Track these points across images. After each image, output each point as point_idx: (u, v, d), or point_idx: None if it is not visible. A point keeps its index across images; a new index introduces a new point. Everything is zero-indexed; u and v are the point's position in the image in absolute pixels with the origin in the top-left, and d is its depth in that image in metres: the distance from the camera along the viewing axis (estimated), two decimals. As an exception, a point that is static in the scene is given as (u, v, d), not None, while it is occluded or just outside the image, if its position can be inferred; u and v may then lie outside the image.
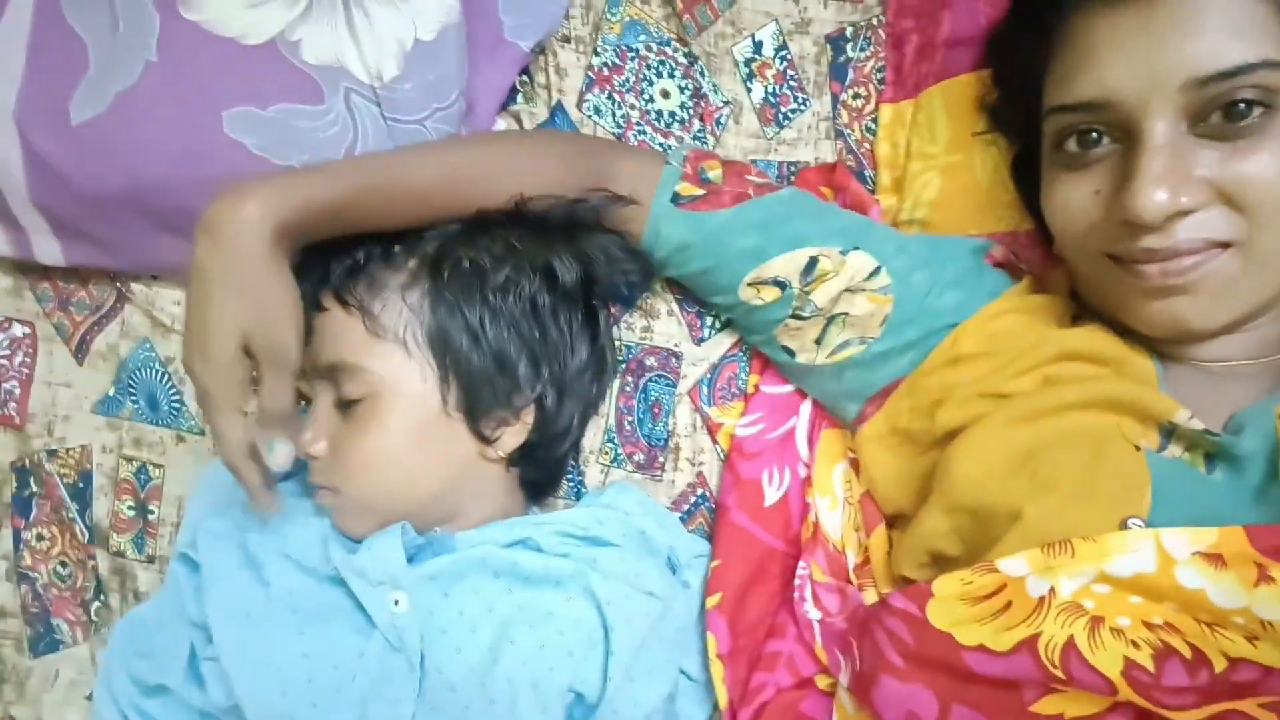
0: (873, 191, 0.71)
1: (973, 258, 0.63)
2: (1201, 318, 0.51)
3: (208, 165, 0.62)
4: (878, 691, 0.52)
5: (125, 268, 0.72)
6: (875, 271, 0.61)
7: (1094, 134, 0.52)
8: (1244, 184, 0.48)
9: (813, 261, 0.61)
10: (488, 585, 0.58)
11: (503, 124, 0.72)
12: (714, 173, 0.64)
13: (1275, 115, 0.47)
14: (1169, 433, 0.53)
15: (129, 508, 0.75)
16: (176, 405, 0.74)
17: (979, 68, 0.66)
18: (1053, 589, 0.48)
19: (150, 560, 0.74)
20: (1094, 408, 0.53)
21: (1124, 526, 0.48)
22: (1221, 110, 0.48)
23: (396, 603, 0.56)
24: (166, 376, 0.74)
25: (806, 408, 0.68)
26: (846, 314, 0.62)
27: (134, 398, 0.75)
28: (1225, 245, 0.49)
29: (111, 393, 0.75)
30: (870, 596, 0.63)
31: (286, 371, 0.52)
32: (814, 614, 0.64)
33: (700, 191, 0.63)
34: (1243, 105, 0.47)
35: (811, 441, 0.68)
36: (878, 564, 0.64)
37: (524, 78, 0.73)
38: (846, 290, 0.61)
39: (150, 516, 0.74)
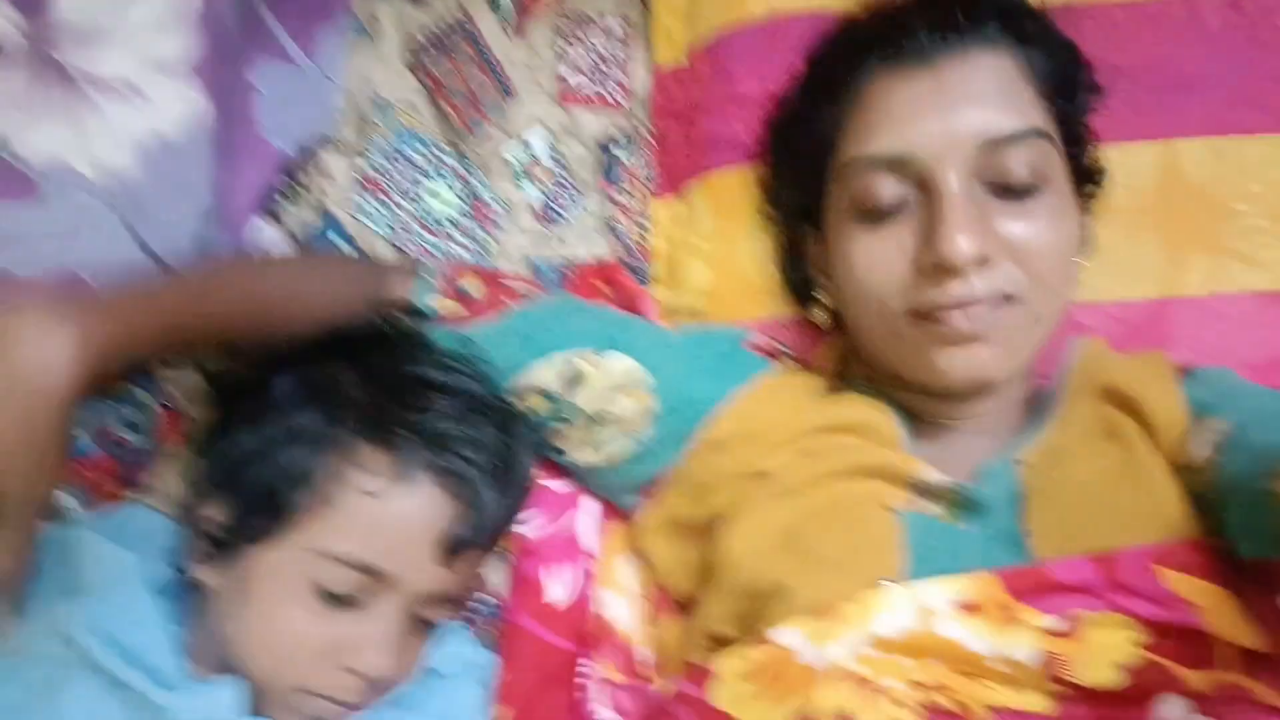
0: (646, 284, 0.73)
1: (732, 344, 0.65)
2: (997, 366, 0.54)
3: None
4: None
5: None
6: (634, 370, 0.61)
7: (893, 184, 0.54)
8: (1024, 240, 0.53)
9: (571, 366, 0.61)
10: None
11: (261, 225, 0.69)
12: (472, 286, 0.64)
13: (1049, 179, 0.54)
14: (920, 490, 0.55)
15: None
16: None
17: (738, 163, 0.70)
18: (823, 656, 0.47)
19: None
20: (848, 476, 0.55)
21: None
22: (1008, 170, 0.53)
23: None
24: None
25: (589, 501, 0.66)
26: (611, 413, 0.61)
27: None
28: (1010, 298, 0.53)
29: None
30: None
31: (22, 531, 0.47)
32: (608, 717, 0.59)
33: (458, 306, 0.63)
34: (1024, 166, 0.53)
35: (597, 534, 0.65)
36: (673, 654, 0.61)
37: (290, 180, 0.71)
38: (608, 390, 0.61)
39: None
